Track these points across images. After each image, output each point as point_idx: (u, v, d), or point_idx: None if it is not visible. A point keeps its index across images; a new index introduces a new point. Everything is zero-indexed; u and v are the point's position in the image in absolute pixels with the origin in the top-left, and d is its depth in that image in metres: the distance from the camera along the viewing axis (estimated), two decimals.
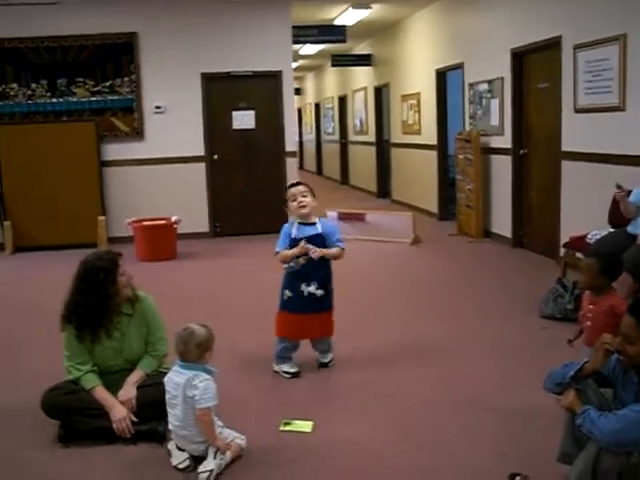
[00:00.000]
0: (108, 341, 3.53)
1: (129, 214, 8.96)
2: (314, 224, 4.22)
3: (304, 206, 4.16)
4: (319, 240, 4.17)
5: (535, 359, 4.44)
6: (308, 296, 4.19)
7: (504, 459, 3.15)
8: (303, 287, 4.17)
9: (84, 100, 9.48)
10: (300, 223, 4.21)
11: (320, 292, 4.20)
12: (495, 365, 4.40)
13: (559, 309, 5.20)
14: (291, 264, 4.16)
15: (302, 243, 4.10)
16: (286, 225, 4.28)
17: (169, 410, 3.14)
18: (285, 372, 4.29)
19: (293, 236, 4.18)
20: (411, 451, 3.28)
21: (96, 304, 3.43)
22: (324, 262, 4.21)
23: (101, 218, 9.30)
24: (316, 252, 4.09)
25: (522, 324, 5.23)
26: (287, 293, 4.24)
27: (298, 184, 4.30)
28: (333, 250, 4.20)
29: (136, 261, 8.29)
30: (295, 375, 4.27)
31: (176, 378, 3.11)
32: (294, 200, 4.17)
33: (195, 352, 3.09)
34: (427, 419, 3.63)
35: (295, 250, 4.11)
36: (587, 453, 2.57)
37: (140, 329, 3.60)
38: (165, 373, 3.39)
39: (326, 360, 4.42)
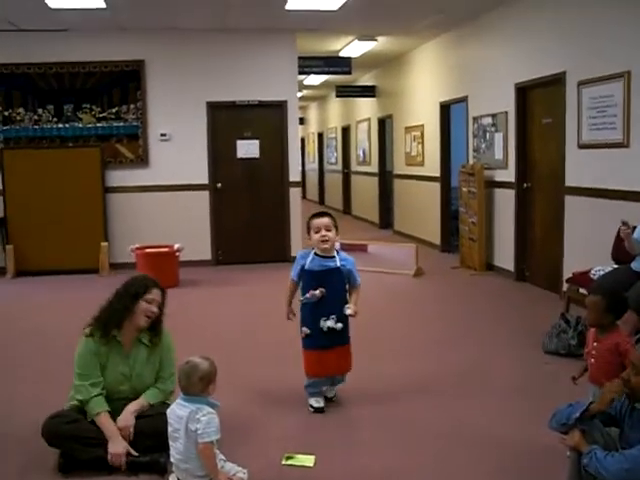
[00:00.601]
0: (121, 365, 3.54)
1: (132, 241, 8.96)
2: (332, 257, 4.14)
3: (326, 241, 4.08)
4: (337, 274, 4.12)
5: (539, 395, 4.42)
6: (328, 331, 4.12)
7: None
8: (322, 322, 4.11)
9: (90, 126, 9.53)
10: (317, 254, 4.14)
11: (340, 325, 4.13)
12: (499, 401, 4.37)
13: (562, 345, 5.18)
14: (307, 296, 4.11)
15: (318, 292, 4.06)
16: (302, 252, 4.23)
17: (171, 443, 3.11)
18: (310, 406, 4.21)
19: (306, 267, 4.13)
20: None
21: (119, 309, 3.53)
22: (341, 294, 4.16)
23: (104, 244, 9.31)
24: (352, 312, 4.08)
25: (525, 359, 5.21)
26: (305, 330, 4.16)
27: (323, 215, 4.17)
28: (357, 297, 4.18)
29: None
30: (318, 410, 4.17)
31: (179, 411, 3.08)
32: (317, 232, 4.09)
33: (198, 385, 3.06)
34: (429, 454, 3.59)
35: (316, 293, 4.07)
36: None
37: (154, 362, 3.61)
38: (167, 404, 3.37)
39: (332, 395, 4.35)
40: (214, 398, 3.15)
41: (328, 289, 4.09)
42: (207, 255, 9.95)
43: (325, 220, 4.11)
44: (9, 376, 5.04)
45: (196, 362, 3.10)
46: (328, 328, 4.11)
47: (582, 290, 5.78)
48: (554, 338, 5.25)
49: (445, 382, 4.76)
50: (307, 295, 4.11)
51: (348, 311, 4.08)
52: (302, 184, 24.98)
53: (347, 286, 4.20)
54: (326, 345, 4.13)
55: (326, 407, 4.25)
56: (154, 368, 3.62)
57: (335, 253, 4.17)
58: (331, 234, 4.09)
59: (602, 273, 5.44)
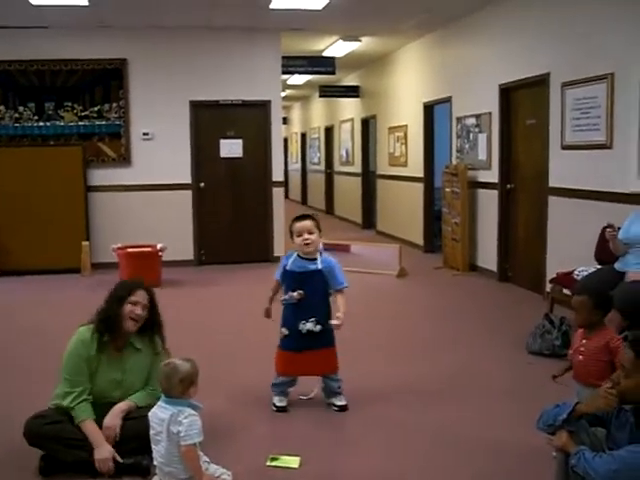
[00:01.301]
0: (112, 370, 3.49)
1: (114, 240, 8.88)
2: (315, 260, 4.12)
3: (309, 244, 4.07)
4: (318, 277, 4.10)
5: (524, 396, 4.42)
6: (307, 333, 4.09)
7: None
8: (301, 325, 4.09)
9: (72, 124, 9.44)
10: (300, 256, 4.13)
11: (319, 327, 4.10)
12: (484, 402, 4.36)
13: (547, 345, 5.19)
14: (286, 297, 4.10)
15: (295, 294, 4.05)
16: (288, 254, 4.21)
17: (153, 446, 3.06)
18: (273, 404, 4.22)
19: (288, 268, 4.12)
20: None
21: (108, 315, 3.49)
22: (322, 297, 4.14)
23: (85, 243, 9.22)
24: (338, 324, 4.04)
25: (509, 360, 5.21)
26: (283, 331, 4.15)
27: (305, 218, 4.15)
28: (343, 302, 4.13)
29: None
30: (281, 410, 4.19)
31: (160, 414, 3.03)
32: (299, 235, 4.08)
33: (179, 387, 3.01)
34: (416, 456, 3.58)
35: (294, 295, 4.06)
36: None
37: (145, 366, 3.57)
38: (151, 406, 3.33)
39: (341, 403, 4.23)
40: (196, 400, 3.11)
41: (308, 291, 4.08)
42: (190, 255, 9.89)
43: (307, 223, 4.10)
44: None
45: (176, 364, 3.05)
46: (307, 331, 4.09)
47: (566, 290, 5.79)
48: (538, 338, 5.26)
49: (429, 383, 4.75)
50: (286, 296, 4.11)
51: (335, 321, 4.05)
52: (285, 184, 24.96)
53: (329, 289, 4.17)
54: (301, 347, 4.12)
55: (312, 408, 4.23)
56: (145, 373, 3.57)
57: (318, 255, 4.15)
58: (314, 237, 4.08)
59: (586, 273, 5.46)
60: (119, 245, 8.54)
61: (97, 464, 3.28)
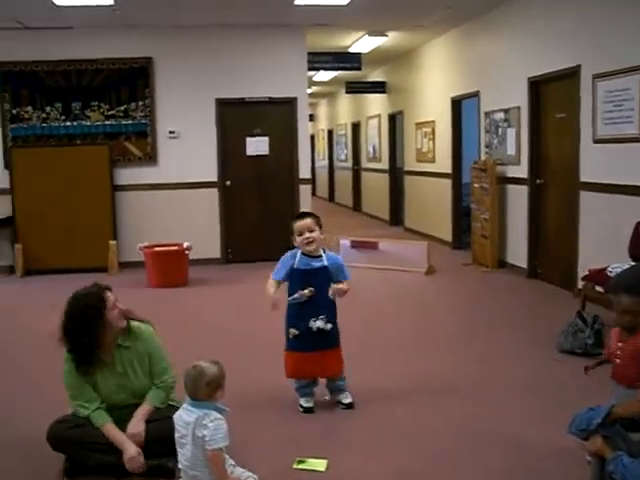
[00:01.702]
0: (110, 377, 3.42)
1: (141, 239, 8.89)
2: (319, 257, 4.06)
3: (311, 242, 3.99)
4: (324, 273, 4.05)
5: (555, 395, 4.32)
6: (317, 331, 4.04)
7: None
8: (311, 323, 4.03)
9: (98, 124, 9.46)
10: (304, 254, 4.06)
11: (329, 326, 4.06)
12: (512, 402, 4.26)
13: (579, 344, 5.06)
14: (295, 296, 4.03)
15: (307, 292, 3.99)
16: (289, 254, 4.12)
17: (178, 449, 3.02)
18: (300, 405, 4.16)
19: (295, 266, 4.05)
20: None
21: (87, 344, 3.31)
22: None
23: (112, 242, 9.24)
24: (340, 291, 4.00)
25: (539, 359, 5.10)
26: (293, 331, 4.09)
27: (304, 216, 4.11)
28: (346, 286, 4.07)
29: (147, 287, 8.22)
30: (308, 411, 4.13)
31: (186, 417, 2.98)
32: (300, 234, 4.00)
33: (205, 391, 2.96)
34: (442, 457, 3.50)
35: (305, 292, 3.99)
36: None
37: (142, 361, 3.48)
38: (174, 407, 3.28)
39: (348, 400, 4.21)
40: (222, 402, 3.06)
41: (316, 289, 4.02)
42: (217, 253, 9.88)
43: (307, 221, 4.03)
44: (14, 377, 4.98)
45: (203, 366, 3.00)
46: (317, 328, 4.04)
47: (598, 288, 5.67)
48: (570, 337, 5.13)
49: (456, 383, 4.66)
50: (295, 295, 4.04)
51: (336, 286, 4.00)
52: (312, 181, 24.90)
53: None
54: (312, 347, 4.06)
55: (338, 410, 4.17)
56: (145, 368, 3.48)
57: (322, 252, 4.09)
58: (315, 234, 4.01)
59: (620, 270, 5.32)
60: (146, 244, 8.54)
61: (127, 464, 3.25)
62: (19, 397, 4.55)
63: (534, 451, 3.51)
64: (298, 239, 4.01)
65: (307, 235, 3.98)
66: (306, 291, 4.00)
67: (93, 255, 9.17)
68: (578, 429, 2.65)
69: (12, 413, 4.25)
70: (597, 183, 6.66)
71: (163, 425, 3.21)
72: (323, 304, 4.05)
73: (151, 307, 7.17)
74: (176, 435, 3.02)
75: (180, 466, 3.04)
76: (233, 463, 3.10)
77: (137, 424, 3.35)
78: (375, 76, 15.18)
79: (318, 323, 4.03)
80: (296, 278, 4.05)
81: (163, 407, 3.43)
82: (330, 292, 4.00)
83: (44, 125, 9.40)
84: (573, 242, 7.11)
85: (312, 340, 4.05)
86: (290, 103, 9.82)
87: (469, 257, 9.48)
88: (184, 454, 2.98)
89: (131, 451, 3.25)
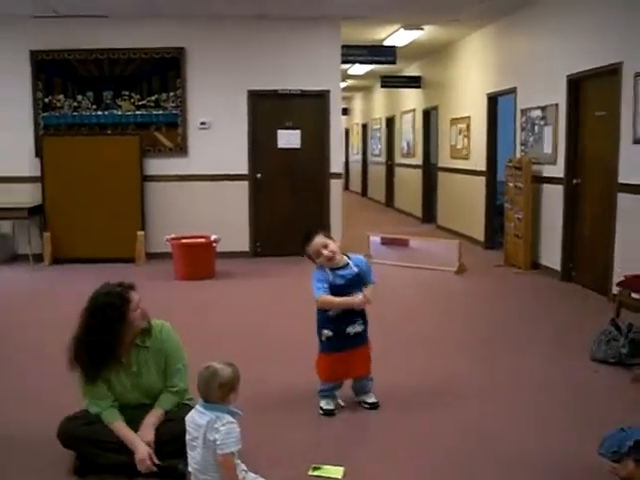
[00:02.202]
0: (125, 376, 3.33)
1: (169, 230, 8.83)
2: (347, 265, 3.98)
3: (332, 257, 3.90)
4: (358, 279, 3.98)
5: (585, 407, 4.14)
6: (353, 335, 4.00)
7: None
8: (349, 329, 3.97)
9: (129, 114, 9.42)
10: (331, 269, 3.95)
11: (362, 327, 4.03)
12: (540, 413, 4.08)
13: (612, 353, 4.86)
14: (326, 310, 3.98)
15: (360, 296, 3.92)
16: (318, 271, 3.98)
17: (189, 452, 2.92)
18: (320, 408, 4.05)
19: (335, 283, 3.93)
20: None
21: (105, 343, 3.21)
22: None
23: (140, 233, 9.21)
24: (367, 300, 3.96)
25: (571, 367, 4.90)
26: (326, 333, 4.00)
27: (311, 236, 3.95)
28: (369, 291, 4.02)
29: (174, 279, 8.17)
30: (328, 413, 4.02)
31: (198, 419, 2.87)
32: (318, 256, 3.90)
33: (218, 393, 2.85)
34: (461, 470, 3.34)
35: (354, 300, 3.91)
36: None
37: (158, 361, 3.39)
38: (187, 406, 3.19)
39: (372, 400, 4.12)
40: (236, 406, 2.94)
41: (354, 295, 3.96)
42: (245, 247, 9.79)
43: (318, 240, 3.92)
44: (35, 368, 4.92)
45: (216, 368, 2.89)
46: (354, 333, 3.99)
47: (635, 294, 5.45)
48: (603, 345, 4.93)
49: (483, 388, 4.49)
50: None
51: (360, 295, 3.92)
52: (345, 176, 24.79)
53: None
54: (345, 346, 3.99)
55: (357, 414, 4.06)
56: (160, 368, 3.39)
57: (347, 259, 4.01)
58: (331, 247, 3.91)
59: None
60: (173, 236, 8.48)
61: (138, 465, 3.16)
62: (39, 390, 4.48)
63: (560, 466, 3.34)
64: (320, 259, 3.92)
65: (326, 253, 3.88)
66: (359, 297, 3.93)
67: (121, 245, 9.15)
68: (609, 451, 2.49)
69: (34, 405, 4.19)
70: (636, 185, 6.42)
71: (176, 426, 3.11)
72: (358, 309, 4.00)
73: (176, 299, 7.19)
74: (187, 437, 2.92)
75: (190, 469, 2.94)
76: (245, 468, 2.98)
77: (147, 433, 3.25)
78: (410, 70, 14.98)
79: (357, 328, 3.99)
80: (335, 293, 3.94)
81: (175, 409, 3.33)
82: (360, 301, 3.93)
83: (75, 114, 9.39)
84: (609, 245, 6.89)
85: (345, 341, 3.99)
86: (323, 96, 9.67)
87: (501, 257, 9.27)
88: (194, 457, 2.88)
89: (141, 452, 3.16)
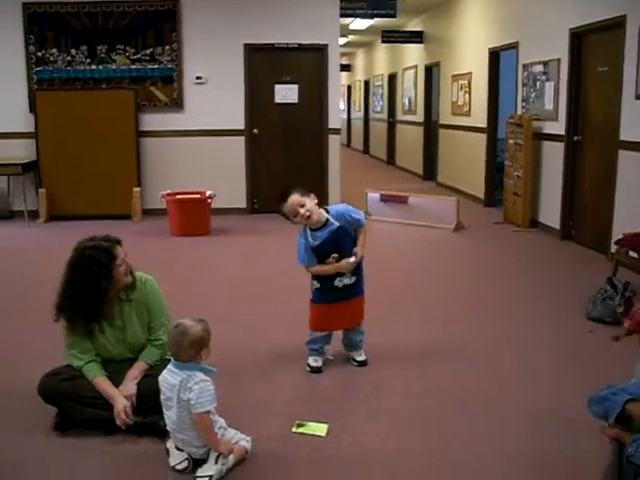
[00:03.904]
0: (109, 330, 3.28)
1: (165, 186, 8.75)
2: (327, 222, 3.83)
3: (310, 216, 3.75)
4: (342, 233, 3.85)
5: (581, 364, 4.09)
6: (342, 287, 3.91)
7: None
8: (337, 282, 3.89)
9: (124, 68, 9.25)
10: (312, 229, 3.83)
11: (354, 279, 3.93)
12: (534, 370, 4.04)
13: (608, 312, 4.79)
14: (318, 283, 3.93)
15: (331, 259, 3.82)
16: (301, 238, 3.87)
17: (165, 411, 2.87)
18: (308, 365, 4.00)
19: (312, 245, 3.82)
20: (431, 467, 2.96)
21: (88, 297, 3.14)
22: (351, 249, 3.89)
23: (136, 189, 9.11)
24: (359, 258, 3.86)
25: (567, 325, 4.84)
26: (315, 284, 3.95)
27: (287, 195, 3.77)
28: (362, 239, 3.91)
29: (169, 235, 8.11)
30: (316, 370, 3.97)
31: (170, 379, 2.82)
32: (295, 215, 3.74)
33: (189, 351, 2.79)
34: (453, 429, 3.30)
35: (342, 265, 3.83)
36: None
37: (142, 315, 3.33)
38: (169, 361, 3.14)
39: (361, 358, 4.08)
40: (212, 360, 2.89)
41: (340, 251, 3.84)
42: (242, 203, 9.70)
43: (293, 199, 3.73)
44: (23, 325, 4.88)
45: (186, 326, 2.82)
46: (344, 285, 3.91)
47: (632, 253, 5.37)
48: (599, 304, 4.86)
49: (478, 346, 4.44)
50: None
51: (352, 259, 3.83)
52: (347, 133, 24.56)
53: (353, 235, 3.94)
54: (337, 298, 3.92)
55: (346, 371, 4.02)
56: (144, 322, 3.34)
57: (326, 215, 3.84)
58: (308, 205, 3.74)
59: None
60: (168, 191, 8.39)
61: (116, 419, 3.12)
62: (29, 346, 4.44)
63: (553, 418, 3.33)
64: (296, 220, 3.78)
65: (302, 212, 3.72)
66: (330, 259, 3.83)
67: (117, 202, 9.07)
68: (597, 415, 2.41)
69: (16, 362, 4.15)
70: (638, 142, 6.29)
71: (155, 381, 3.05)
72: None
73: (169, 255, 7.12)
74: (161, 397, 2.88)
75: (168, 428, 2.90)
76: (225, 425, 2.93)
77: (129, 387, 3.21)
78: (412, 26, 14.71)
79: (345, 280, 3.90)
80: (320, 253, 3.85)
81: (158, 364, 3.28)
82: (353, 261, 3.84)
83: (69, 68, 9.22)
84: (609, 204, 6.78)
85: (335, 293, 3.92)
86: (321, 50, 9.48)
87: (501, 215, 9.18)
88: (170, 417, 2.84)
89: (118, 405, 3.12)
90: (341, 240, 3.85)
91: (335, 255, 3.83)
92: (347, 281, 3.90)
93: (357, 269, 3.96)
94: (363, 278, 4.04)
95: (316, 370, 3.98)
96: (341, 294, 3.93)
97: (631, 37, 6.34)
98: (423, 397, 3.66)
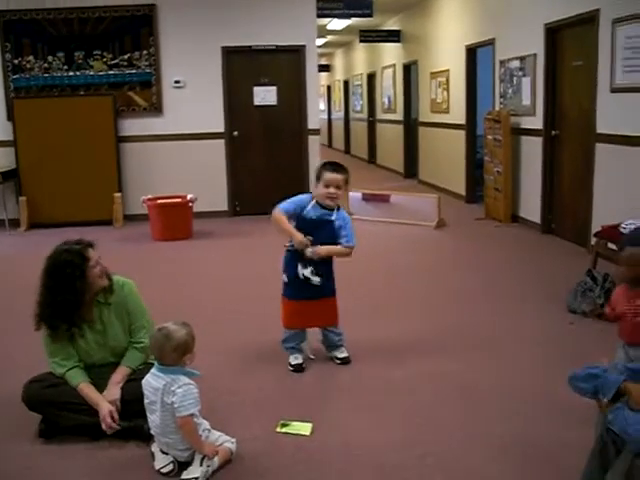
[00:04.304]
0: (90, 334, 3.28)
1: (146, 191, 8.73)
2: (331, 211, 3.90)
3: (333, 199, 3.85)
4: (329, 227, 3.88)
5: (562, 356, 4.12)
6: (304, 280, 3.89)
7: (527, 476, 2.84)
8: (299, 269, 3.88)
9: (101, 74, 9.22)
10: (319, 204, 3.89)
11: (317, 280, 3.89)
12: (519, 363, 4.07)
13: (588, 303, 4.84)
14: (292, 242, 3.88)
15: (305, 239, 3.81)
16: (305, 196, 3.96)
17: (148, 415, 2.87)
18: (289, 363, 4.03)
19: (304, 213, 3.87)
20: (416, 460, 2.98)
21: (65, 301, 3.15)
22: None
23: (117, 195, 9.08)
24: (316, 252, 3.82)
25: (549, 318, 4.89)
26: (283, 278, 4.00)
27: (338, 169, 3.88)
28: (337, 248, 3.91)
29: (151, 240, 8.09)
30: (297, 368, 3.99)
31: (154, 382, 2.82)
32: (327, 186, 3.83)
33: (172, 356, 2.80)
34: (438, 421, 3.32)
35: (298, 236, 3.81)
36: (620, 463, 2.26)
37: (122, 318, 3.33)
38: (152, 365, 3.14)
39: (343, 355, 4.10)
40: (199, 361, 2.90)
41: (315, 240, 3.84)
42: (224, 206, 9.70)
43: (339, 177, 3.85)
44: (6, 332, 4.86)
45: (170, 330, 2.82)
46: (304, 276, 3.88)
47: (611, 245, 5.42)
48: (579, 296, 4.91)
49: (461, 340, 4.48)
50: (292, 241, 3.90)
51: (310, 248, 3.81)
52: (329, 133, 24.58)
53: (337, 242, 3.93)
54: (301, 296, 3.94)
55: (329, 368, 4.04)
56: (124, 325, 3.34)
57: (335, 208, 3.92)
58: (340, 192, 3.86)
59: (633, 227, 5.06)
60: (149, 196, 8.37)
61: (103, 425, 3.12)
62: (11, 354, 4.43)
63: (538, 405, 3.39)
64: (322, 191, 3.84)
65: (333, 190, 3.83)
66: (305, 239, 3.82)
67: (98, 208, 9.04)
68: (583, 391, 2.44)
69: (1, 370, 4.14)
70: (614, 135, 6.36)
71: (139, 386, 3.05)
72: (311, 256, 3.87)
73: (151, 260, 7.11)
74: (145, 401, 2.88)
75: (152, 432, 2.90)
76: (208, 427, 2.94)
77: (113, 391, 3.20)
78: (390, 25, 14.75)
79: (306, 272, 3.87)
80: (302, 223, 3.89)
81: (141, 368, 3.28)
82: (310, 250, 3.82)
83: (46, 75, 9.18)
84: (588, 196, 6.85)
85: (303, 290, 3.92)
86: (298, 51, 9.50)
87: (482, 211, 9.23)
88: (154, 420, 2.84)
89: (103, 410, 3.12)
90: (322, 232, 3.86)
91: (310, 238, 3.83)
92: (308, 273, 3.86)
93: (325, 270, 3.94)
94: (334, 280, 4.04)
95: (297, 367, 4.00)
96: (309, 292, 3.92)
97: (604, 31, 6.41)
98: (406, 391, 3.68)
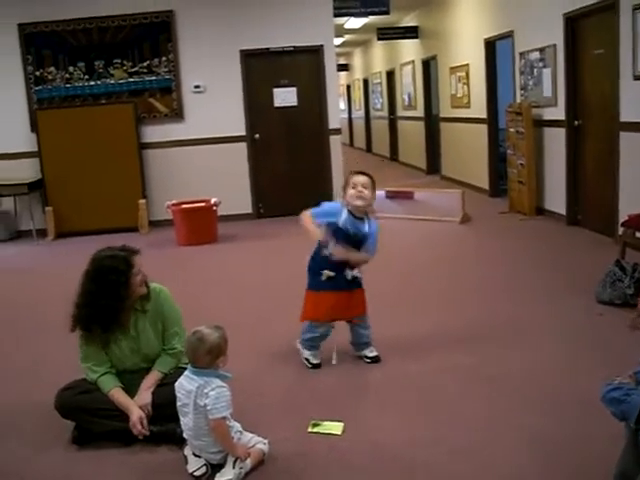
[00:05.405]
0: (124, 341, 3.31)
1: (170, 197, 8.78)
2: (363, 220, 3.92)
3: (362, 197, 3.86)
4: (365, 239, 3.92)
5: (593, 349, 4.09)
6: (352, 279, 3.97)
7: (555, 469, 2.82)
8: (347, 272, 3.94)
9: (122, 82, 9.30)
10: (351, 213, 3.89)
11: (360, 274, 4.01)
12: (546, 356, 4.05)
13: (618, 294, 4.78)
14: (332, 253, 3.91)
15: (325, 239, 3.86)
16: (337, 204, 3.99)
17: (181, 417, 2.89)
18: (307, 360, 4.06)
19: (341, 225, 3.86)
20: (446, 456, 2.96)
21: (106, 306, 3.18)
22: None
23: (142, 201, 9.15)
24: (339, 254, 3.85)
25: (578, 310, 4.84)
26: (328, 273, 3.93)
27: (362, 174, 3.96)
28: (359, 256, 3.93)
29: (176, 245, 8.13)
30: (316, 367, 4.03)
31: (187, 385, 2.84)
32: (354, 187, 3.87)
33: (205, 359, 2.82)
34: (465, 416, 3.32)
35: (317, 234, 3.87)
36: None
37: (156, 325, 3.36)
38: (184, 369, 3.16)
39: (373, 354, 4.10)
40: (230, 364, 2.91)
41: (354, 250, 3.91)
42: (248, 209, 9.73)
43: (362, 178, 3.91)
44: (39, 342, 4.91)
45: (204, 333, 2.84)
46: (352, 277, 3.97)
47: (639, 234, 5.36)
48: (608, 287, 4.86)
49: (489, 334, 4.46)
50: (332, 251, 3.89)
51: (327, 250, 3.89)
52: (349, 132, 24.56)
53: None
54: (342, 287, 3.96)
55: (357, 366, 4.05)
56: (158, 332, 3.36)
57: (365, 216, 3.95)
58: (367, 192, 3.88)
59: None
60: (173, 201, 8.42)
61: (132, 429, 3.15)
62: (44, 362, 4.47)
63: (569, 400, 3.35)
64: (350, 192, 3.87)
65: (360, 189, 3.86)
66: (322, 236, 3.86)
67: (124, 215, 9.11)
68: (614, 415, 2.39)
69: (31, 379, 4.19)
70: (638, 123, 6.28)
71: (172, 390, 3.07)
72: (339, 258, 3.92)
73: (178, 266, 7.15)
74: (178, 403, 2.90)
75: (184, 435, 2.92)
76: (240, 429, 2.96)
77: (144, 396, 3.23)
78: (407, 21, 14.71)
79: (355, 272, 3.96)
80: (340, 237, 3.89)
81: (172, 373, 3.30)
82: (328, 250, 3.88)
83: (68, 85, 9.27)
84: (614, 186, 6.77)
85: (344, 282, 3.96)
86: (317, 51, 9.50)
87: (506, 205, 9.17)
88: (187, 423, 2.86)
89: (134, 416, 3.15)
90: (361, 244, 3.91)
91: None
92: (356, 273, 3.97)
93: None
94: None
95: (317, 366, 4.03)
96: (349, 284, 3.97)
97: (625, 17, 6.34)
98: (431, 387, 3.68)
